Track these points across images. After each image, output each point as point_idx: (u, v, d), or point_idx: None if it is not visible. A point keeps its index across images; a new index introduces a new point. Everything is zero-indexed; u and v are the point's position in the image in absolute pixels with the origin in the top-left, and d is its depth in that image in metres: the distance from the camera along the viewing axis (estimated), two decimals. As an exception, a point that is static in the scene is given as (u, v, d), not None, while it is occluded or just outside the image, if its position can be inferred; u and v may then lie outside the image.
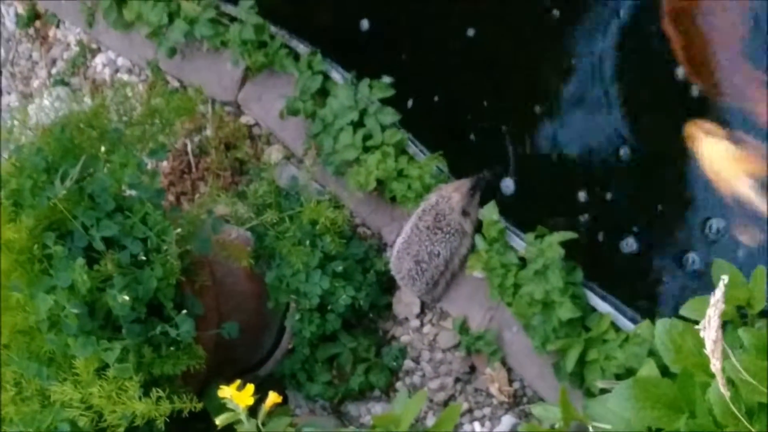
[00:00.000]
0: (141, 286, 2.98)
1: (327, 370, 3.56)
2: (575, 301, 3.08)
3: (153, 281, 2.99)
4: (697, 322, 2.54)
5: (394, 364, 3.54)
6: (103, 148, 3.13)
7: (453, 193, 3.33)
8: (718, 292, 1.90)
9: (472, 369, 3.48)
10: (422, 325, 3.57)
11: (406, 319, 3.59)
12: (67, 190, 2.98)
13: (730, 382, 2.28)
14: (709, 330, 1.95)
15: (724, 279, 1.91)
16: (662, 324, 2.52)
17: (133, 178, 3.07)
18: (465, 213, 3.33)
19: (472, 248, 3.38)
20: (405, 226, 3.42)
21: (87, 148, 3.20)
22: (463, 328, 3.43)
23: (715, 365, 1.98)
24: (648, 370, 2.68)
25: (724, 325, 2.68)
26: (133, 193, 3.11)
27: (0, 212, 2.98)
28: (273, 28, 3.80)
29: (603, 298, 3.15)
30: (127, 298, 2.90)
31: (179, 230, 3.02)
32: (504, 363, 3.39)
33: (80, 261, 2.87)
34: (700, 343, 2.47)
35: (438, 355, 3.52)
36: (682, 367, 2.41)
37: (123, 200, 3.06)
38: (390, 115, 3.51)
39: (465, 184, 3.35)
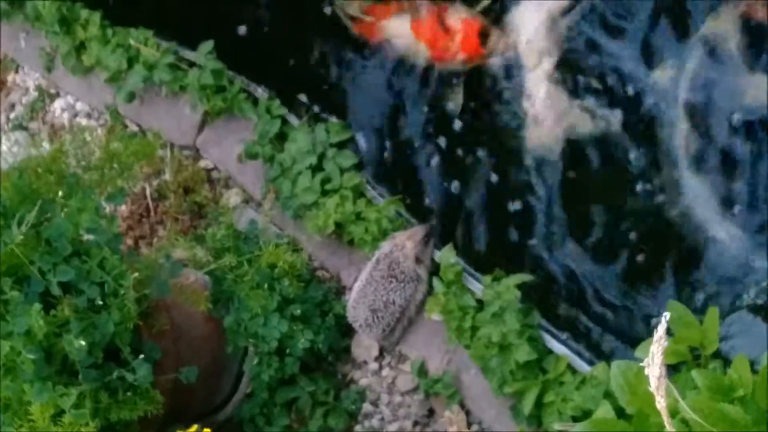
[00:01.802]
0: (98, 331, 2.96)
1: (286, 414, 3.56)
2: (532, 344, 3.11)
3: (110, 326, 2.97)
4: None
5: (353, 407, 3.54)
6: (60, 193, 3.12)
7: (406, 242, 3.36)
8: (661, 329, 1.92)
9: (431, 412, 3.49)
10: (381, 368, 3.58)
11: (365, 362, 3.59)
12: (24, 235, 2.97)
13: (684, 423, 2.31)
14: (653, 367, 1.97)
15: (666, 315, 1.93)
16: (617, 366, 2.55)
17: (91, 222, 3.07)
18: (419, 260, 3.37)
19: (429, 293, 3.40)
20: (360, 275, 3.45)
21: (44, 193, 3.19)
22: (422, 371, 3.45)
23: (660, 402, 2.00)
24: (604, 411, 2.70)
25: (678, 366, 2.73)
26: (91, 237, 3.11)
27: (-46, 258, 2.96)
28: (231, 73, 3.82)
29: (560, 341, 3.18)
30: (83, 343, 2.88)
31: (137, 274, 3.01)
32: (463, 406, 3.41)
33: (37, 306, 2.85)
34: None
35: (397, 398, 3.53)
36: (637, 408, 2.44)
37: (80, 245, 3.05)
38: (348, 159, 3.54)
39: (418, 232, 3.39)
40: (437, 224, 3.45)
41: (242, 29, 3.92)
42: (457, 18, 3.54)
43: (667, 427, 2.07)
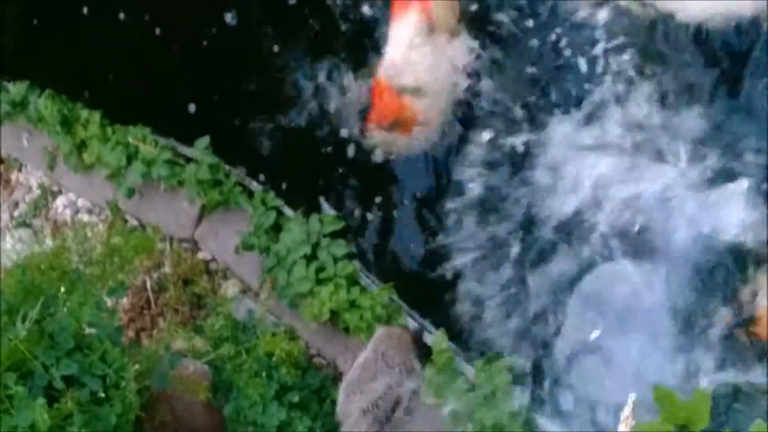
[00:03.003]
0: (100, 423, 3.04)
1: (287, 502, 3.60)
2: (524, 426, 3.17)
3: (112, 418, 3.05)
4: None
5: (354, 493, 3.59)
6: (62, 289, 3.22)
7: (403, 334, 3.46)
8: (627, 410, 2.01)
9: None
10: (389, 419, 3.62)
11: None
12: (27, 331, 3.05)
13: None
14: None
15: (632, 397, 2.02)
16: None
17: (92, 317, 3.16)
18: (406, 362, 3.45)
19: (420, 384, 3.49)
20: (351, 369, 3.53)
21: (47, 289, 3.28)
22: (421, 455, 3.50)
23: None
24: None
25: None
26: (92, 331, 3.19)
27: (-38, 355, 3.04)
28: (227, 167, 3.95)
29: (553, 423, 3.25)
30: (86, 435, 2.95)
31: (137, 366, 3.10)
32: (461, 487, 3.46)
33: (40, 401, 2.92)
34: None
35: (396, 486, 3.58)
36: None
37: (82, 338, 3.14)
38: (341, 248, 3.65)
39: (411, 332, 3.49)
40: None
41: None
42: None
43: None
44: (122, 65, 4.27)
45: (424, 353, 3.50)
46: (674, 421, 2.78)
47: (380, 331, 3.50)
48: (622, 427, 2.01)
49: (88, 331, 3.22)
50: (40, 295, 3.22)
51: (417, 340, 3.50)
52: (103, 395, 3.07)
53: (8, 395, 3.00)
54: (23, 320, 3.08)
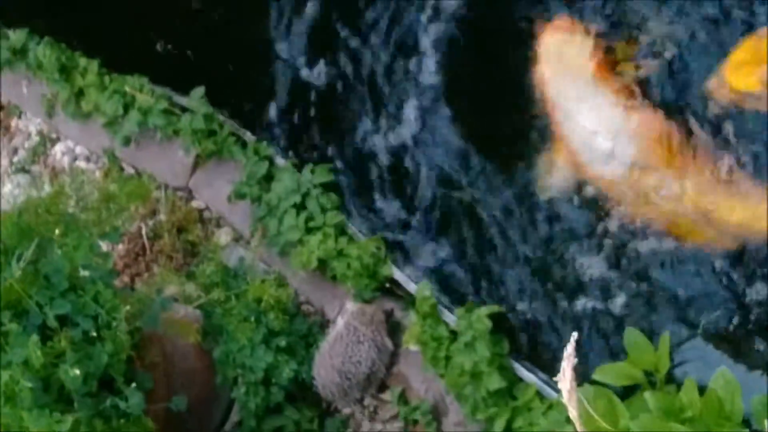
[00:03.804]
0: (92, 362, 3.13)
1: (273, 442, 3.72)
2: (502, 372, 3.28)
3: (104, 357, 3.14)
4: (607, 386, 2.77)
5: (337, 435, 3.71)
6: (57, 232, 3.30)
7: (376, 312, 3.58)
8: (570, 348, 2.11)
9: (411, 439, 3.66)
10: (363, 397, 3.73)
11: (345, 399, 3.75)
12: (22, 271, 3.14)
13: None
14: (564, 381, 2.14)
15: (575, 335, 2.11)
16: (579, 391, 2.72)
17: (86, 259, 3.25)
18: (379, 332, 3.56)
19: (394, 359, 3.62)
20: (323, 343, 3.64)
21: (43, 232, 3.37)
22: (402, 399, 3.61)
23: (572, 412, 2.18)
24: (565, 433, 2.88)
25: (634, 388, 2.91)
26: (86, 273, 3.29)
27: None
28: (221, 117, 4.03)
29: (529, 369, 3.34)
30: (79, 372, 3.05)
31: (128, 308, 3.19)
32: (440, 432, 3.57)
33: (34, 338, 3.02)
34: (611, 406, 2.69)
35: (378, 426, 3.68)
36: (592, 429, 2.61)
37: (76, 280, 3.23)
38: (330, 201, 3.73)
39: (383, 309, 3.60)
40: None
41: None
42: None
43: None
44: (120, 14, 4.33)
45: (396, 330, 3.61)
46: (641, 366, 2.89)
47: (353, 307, 3.60)
48: (564, 363, 2.11)
49: (82, 273, 3.32)
50: (36, 237, 3.31)
51: (389, 317, 3.61)
52: (95, 335, 3.16)
53: (3, 332, 3.10)
54: (18, 261, 3.17)
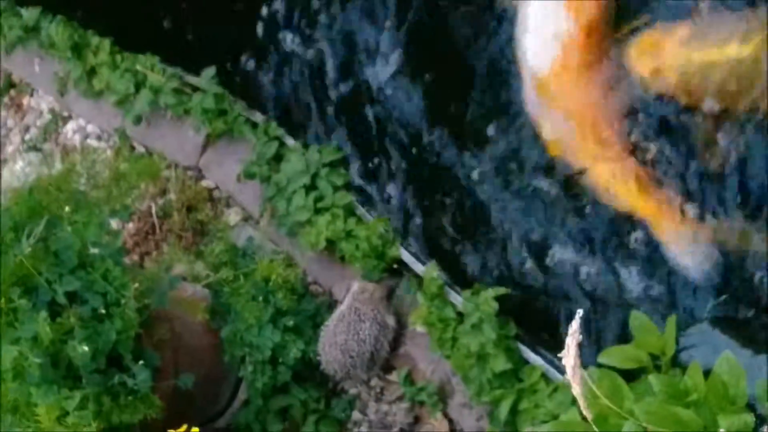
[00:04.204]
0: (101, 338, 3.15)
1: (279, 421, 3.73)
2: (508, 354, 3.28)
3: (112, 333, 3.17)
4: (613, 368, 2.77)
5: (343, 415, 3.72)
6: (67, 209, 3.32)
7: (375, 291, 3.57)
8: (575, 324, 2.11)
9: (417, 420, 3.66)
10: (369, 378, 3.75)
11: (350, 377, 3.76)
12: (32, 248, 3.17)
13: (642, 429, 2.49)
14: (568, 358, 2.15)
15: (580, 312, 2.11)
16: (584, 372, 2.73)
17: (95, 236, 3.27)
18: (382, 311, 3.57)
19: (397, 338, 3.63)
20: (329, 321, 3.66)
21: (53, 210, 3.39)
22: (408, 380, 3.62)
23: (576, 389, 2.18)
24: (570, 415, 2.88)
25: (640, 371, 2.91)
26: (96, 250, 3.31)
27: (-31, 269, 3.16)
28: (232, 97, 4.04)
29: (535, 351, 3.35)
30: (87, 349, 3.07)
31: (137, 285, 3.21)
32: (446, 414, 3.58)
33: (43, 314, 3.05)
34: (616, 387, 2.69)
35: (384, 407, 3.70)
36: (597, 410, 2.61)
37: (86, 257, 3.25)
38: (340, 178, 3.74)
39: (384, 287, 3.61)
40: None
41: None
42: None
43: (584, 412, 2.25)
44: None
45: (400, 309, 3.64)
46: (647, 349, 2.90)
47: (355, 285, 3.62)
48: (569, 339, 2.11)
49: (92, 250, 3.34)
50: (46, 214, 3.33)
51: (390, 295, 3.62)
52: (104, 312, 3.18)
53: (13, 308, 3.12)
54: (28, 237, 3.19)
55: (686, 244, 3.12)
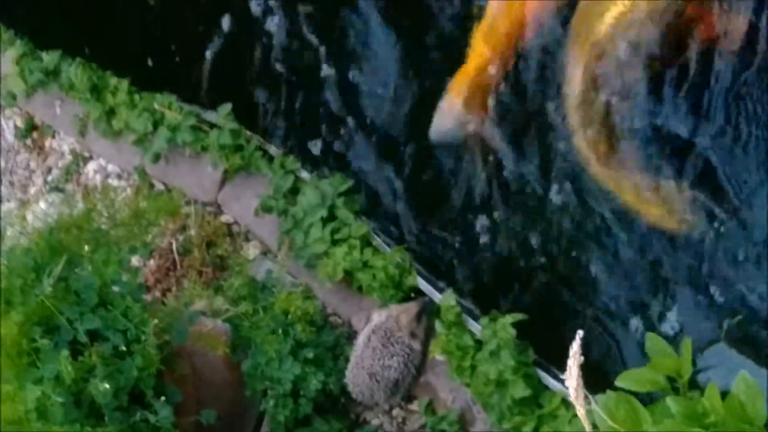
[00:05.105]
0: (122, 376, 3.18)
1: (303, 454, 3.75)
2: (527, 380, 3.29)
3: (134, 371, 3.20)
4: (630, 392, 2.77)
5: (366, 446, 3.74)
6: (87, 248, 3.36)
7: (402, 315, 3.57)
8: (575, 346, 2.12)
9: (440, 448, 3.67)
10: (391, 408, 3.76)
11: (376, 403, 3.78)
12: (54, 287, 3.21)
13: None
14: (571, 379, 2.16)
15: (580, 333, 2.12)
16: (601, 397, 2.73)
17: (115, 275, 3.31)
18: (413, 335, 3.57)
19: (423, 363, 3.61)
20: (357, 343, 3.66)
21: (74, 249, 3.43)
22: (429, 409, 3.63)
23: (579, 411, 2.19)
24: (589, 439, 2.88)
25: (656, 395, 2.90)
26: (116, 288, 3.34)
27: (-9, 310, 3.20)
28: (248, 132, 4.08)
29: (554, 377, 3.35)
30: (109, 387, 3.10)
31: (157, 322, 3.24)
32: (468, 442, 3.59)
33: (65, 353, 3.08)
34: (633, 411, 2.69)
35: (406, 437, 3.72)
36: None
37: (106, 295, 3.29)
38: (354, 205, 3.77)
39: (413, 307, 3.59)
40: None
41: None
42: None
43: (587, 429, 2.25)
44: (149, 36, 4.40)
45: (427, 329, 3.62)
46: (663, 372, 2.89)
47: (380, 313, 3.62)
48: (571, 361, 2.12)
49: (112, 288, 3.37)
50: (67, 253, 3.37)
51: (419, 318, 3.61)
52: (125, 349, 3.22)
53: (35, 348, 3.16)
54: (49, 277, 3.23)
55: None
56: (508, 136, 3.54)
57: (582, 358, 2.11)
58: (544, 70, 3.47)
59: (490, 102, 3.53)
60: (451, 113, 3.57)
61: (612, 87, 3.32)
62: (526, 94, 3.52)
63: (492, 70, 3.51)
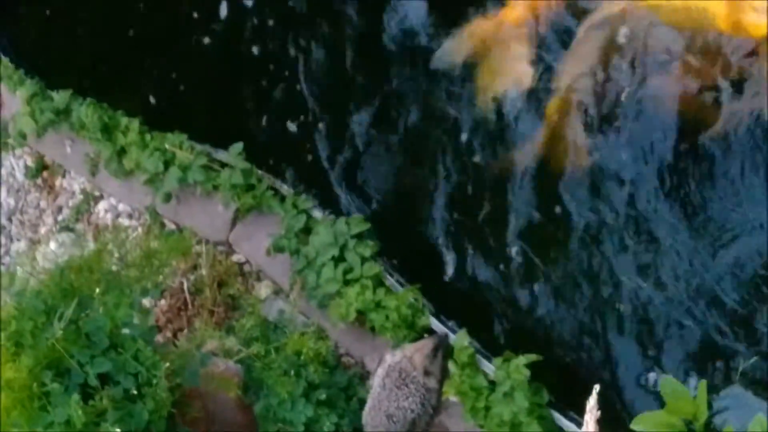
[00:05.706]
0: (134, 419, 3.15)
1: (316, 496, 3.71)
2: (541, 421, 3.26)
3: (145, 414, 3.16)
4: (645, 435, 2.74)
5: (380, 488, 3.69)
6: (98, 289, 3.34)
7: (415, 354, 3.53)
8: (592, 400, 2.10)
9: (455, 491, 3.63)
10: (406, 449, 3.72)
11: (389, 443, 3.75)
12: (64, 330, 3.19)
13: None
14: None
15: (596, 388, 2.10)
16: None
17: (126, 317, 3.29)
18: (428, 372, 3.52)
19: (440, 397, 3.57)
20: (373, 383, 3.62)
21: (85, 290, 3.41)
22: (444, 450, 3.60)
23: None
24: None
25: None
26: (127, 330, 3.32)
27: (0, 353, 3.18)
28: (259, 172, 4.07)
29: (568, 418, 3.32)
30: (120, 431, 3.07)
31: (168, 365, 3.21)
32: (482, 484, 3.54)
33: (75, 397, 3.05)
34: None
35: (420, 479, 3.67)
36: (631, 479, 2.59)
37: (117, 338, 3.26)
38: (368, 248, 3.75)
39: (427, 344, 3.55)
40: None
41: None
42: None
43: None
44: (160, 76, 4.41)
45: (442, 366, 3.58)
46: (680, 414, 2.86)
47: (395, 353, 3.58)
48: (588, 416, 2.09)
49: (123, 331, 3.35)
50: (77, 295, 3.36)
51: (434, 353, 3.56)
52: (136, 392, 3.18)
53: (45, 392, 3.13)
54: (60, 319, 3.22)
55: None
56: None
57: (599, 412, 2.09)
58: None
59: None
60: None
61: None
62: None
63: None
